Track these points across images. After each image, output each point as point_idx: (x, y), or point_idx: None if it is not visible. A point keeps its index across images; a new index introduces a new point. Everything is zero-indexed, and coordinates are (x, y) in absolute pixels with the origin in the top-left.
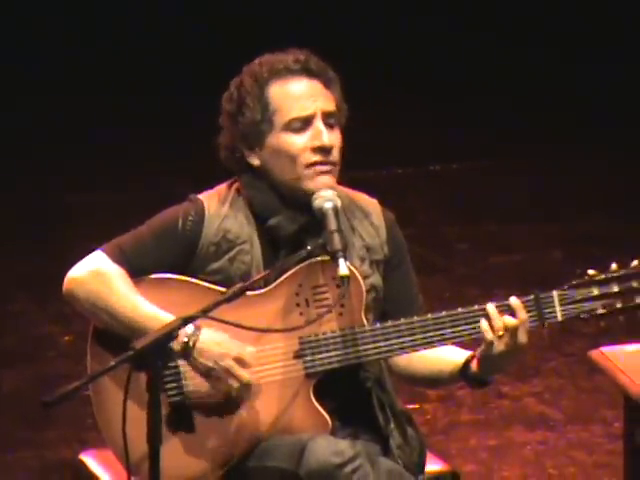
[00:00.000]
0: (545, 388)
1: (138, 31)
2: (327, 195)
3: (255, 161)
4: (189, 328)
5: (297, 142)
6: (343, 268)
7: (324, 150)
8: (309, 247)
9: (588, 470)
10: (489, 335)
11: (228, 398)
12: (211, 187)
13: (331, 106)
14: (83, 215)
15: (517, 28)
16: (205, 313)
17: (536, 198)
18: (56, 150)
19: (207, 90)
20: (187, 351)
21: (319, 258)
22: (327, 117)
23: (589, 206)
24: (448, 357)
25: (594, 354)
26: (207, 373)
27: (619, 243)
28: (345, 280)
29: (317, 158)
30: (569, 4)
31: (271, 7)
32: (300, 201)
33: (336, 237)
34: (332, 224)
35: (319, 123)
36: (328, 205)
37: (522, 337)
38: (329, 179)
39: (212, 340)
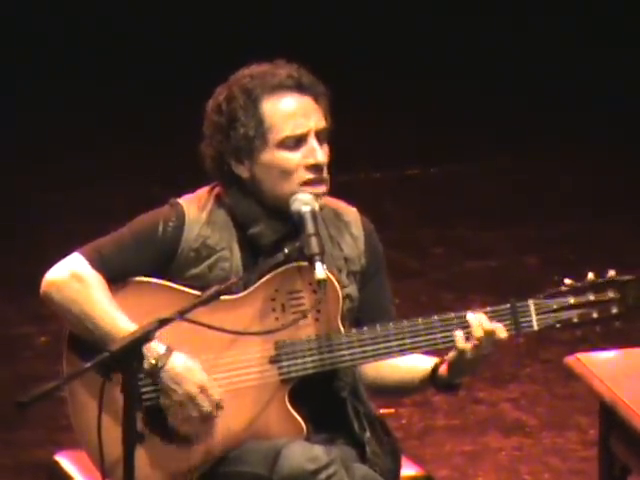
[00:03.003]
0: (521, 394)
1: (109, 24)
2: (305, 199)
3: (244, 173)
4: (160, 348)
5: (291, 159)
6: (320, 272)
7: (318, 167)
8: (286, 250)
9: (563, 476)
10: (463, 344)
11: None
12: (192, 191)
13: (322, 123)
14: (57, 213)
15: (500, 30)
16: (181, 315)
17: (512, 203)
18: (25, 148)
19: (183, 90)
20: (155, 372)
21: (295, 263)
22: (319, 134)
23: (564, 211)
24: (416, 365)
25: (570, 360)
26: (170, 396)
27: (594, 248)
28: (322, 284)
29: (311, 176)
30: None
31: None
32: (283, 212)
33: (314, 240)
34: (310, 228)
35: (313, 141)
36: (306, 209)
37: (493, 344)
38: (321, 200)
39: (182, 365)
